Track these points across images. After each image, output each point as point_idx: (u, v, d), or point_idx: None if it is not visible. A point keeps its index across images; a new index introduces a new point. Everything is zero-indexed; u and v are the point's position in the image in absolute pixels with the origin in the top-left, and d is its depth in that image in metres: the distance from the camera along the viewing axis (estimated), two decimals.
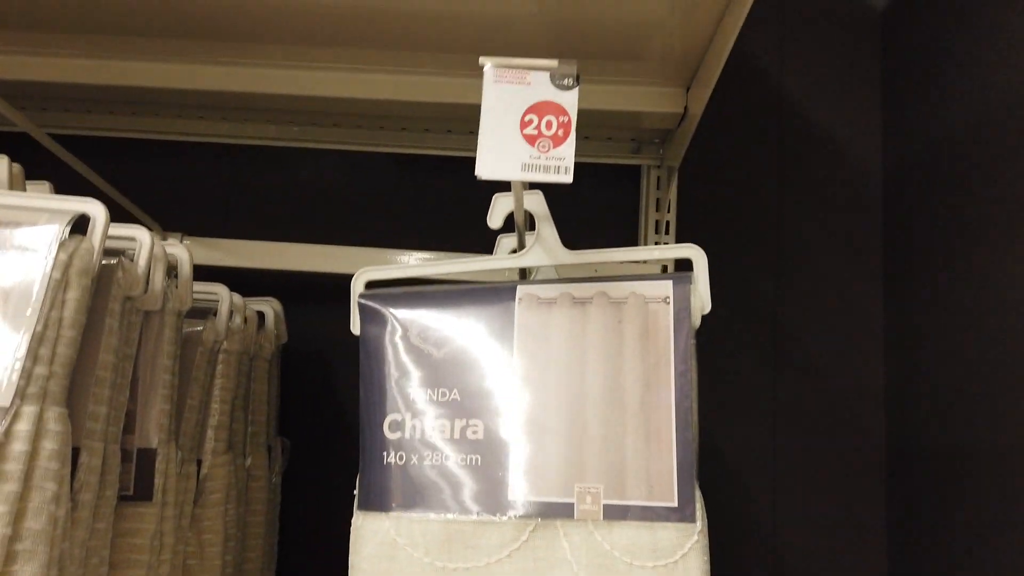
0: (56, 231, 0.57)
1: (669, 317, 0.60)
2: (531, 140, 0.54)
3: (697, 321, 0.61)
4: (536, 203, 0.66)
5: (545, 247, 0.67)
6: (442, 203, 1.13)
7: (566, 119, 0.54)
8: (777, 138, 1.14)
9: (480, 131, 0.54)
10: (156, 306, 0.68)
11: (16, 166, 0.66)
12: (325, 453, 1.08)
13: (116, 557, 0.64)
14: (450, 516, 0.59)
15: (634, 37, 0.84)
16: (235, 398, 0.86)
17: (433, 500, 0.60)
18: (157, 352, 0.69)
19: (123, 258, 0.63)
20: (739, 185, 1.13)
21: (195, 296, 0.77)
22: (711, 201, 1.13)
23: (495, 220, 0.68)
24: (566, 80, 0.55)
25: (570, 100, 0.54)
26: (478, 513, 0.59)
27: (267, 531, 0.94)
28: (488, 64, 0.55)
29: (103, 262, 0.61)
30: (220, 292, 0.85)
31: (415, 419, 0.62)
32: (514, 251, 0.69)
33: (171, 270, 0.72)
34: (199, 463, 0.80)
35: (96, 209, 0.60)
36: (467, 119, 0.95)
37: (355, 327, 0.66)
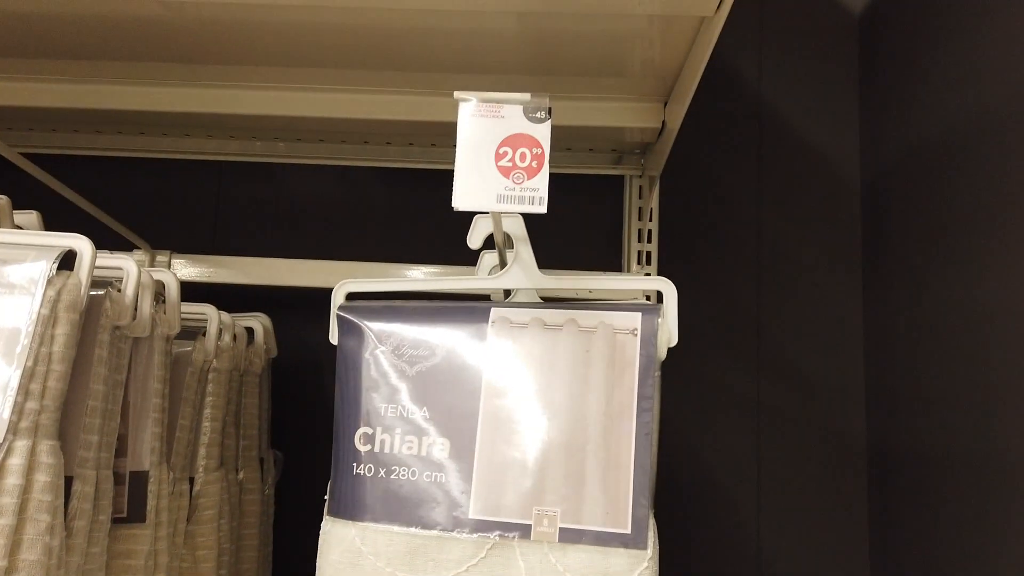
0: (43, 268, 0.58)
1: (636, 349, 0.62)
2: (506, 172, 0.56)
3: (663, 354, 0.63)
4: (515, 226, 0.67)
5: (522, 267, 0.69)
6: (429, 215, 1.15)
7: (539, 151, 0.56)
8: (757, 145, 1.16)
9: (456, 164, 0.56)
10: (144, 333, 0.69)
11: (3, 199, 0.67)
12: (317, 464, 1.10)
13: None
14: (413, 530, 0.61)
15: (612, 53, 0.85)
16: (226, 415, 0.87)
17: (398, 513, 0.62)
18: (147, 376, 0.70)
19: (111, 288, 0.64)
20: (720, 192, 1.15)
21: (184, 317, 0.78)
22: (693, 209, 1.15)
23: (475, 241, 0.70)
24: (539, 113, 0.56)
25: (543, 132, 0.56)
26: (440, 529, 0.61)
27: (261, 542, 0.96)
28: (462, 98, 0.57)
29: (91, 293, 0.62)
30: (208, 312, 0.86)
31: (384, 433, 0.63)
32: (496, 267, 0.71)
33: (159, 295, 0.74)
34: (192, 481, 0.82)
35: (82, 244, 0.61)
36: (451, 134, 0.96)
37: (333, 337, 0.68)
